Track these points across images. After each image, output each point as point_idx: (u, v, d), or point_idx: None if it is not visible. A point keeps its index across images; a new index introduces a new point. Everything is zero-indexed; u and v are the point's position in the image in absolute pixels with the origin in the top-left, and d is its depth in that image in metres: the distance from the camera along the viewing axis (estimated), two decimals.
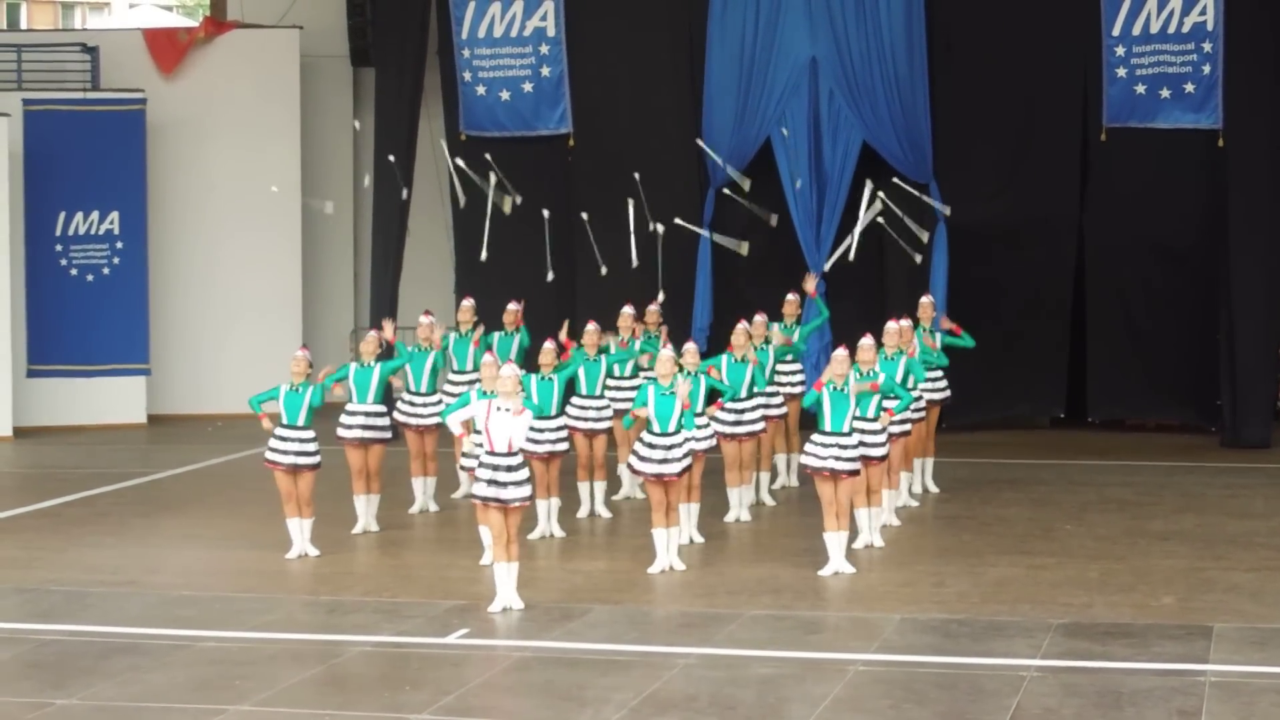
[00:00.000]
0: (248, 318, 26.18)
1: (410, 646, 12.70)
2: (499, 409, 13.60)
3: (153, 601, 14.24)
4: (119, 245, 25.36)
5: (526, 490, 13.66)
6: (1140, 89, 22.94)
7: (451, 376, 18.67)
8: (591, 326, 17.72)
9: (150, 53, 26.43)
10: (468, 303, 19.25)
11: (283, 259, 26.35)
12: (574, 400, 17.51)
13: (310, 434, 15.90)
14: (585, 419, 17.47)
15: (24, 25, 56.20)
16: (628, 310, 18.65)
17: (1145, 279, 23.17)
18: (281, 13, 26.90)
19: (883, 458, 15.83)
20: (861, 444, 15.23)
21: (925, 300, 19.00)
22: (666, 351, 15.34)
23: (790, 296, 19.30)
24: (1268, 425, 22.55)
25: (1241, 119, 22.42)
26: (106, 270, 25.37)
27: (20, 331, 24.90)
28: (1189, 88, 22.74)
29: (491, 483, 13.58)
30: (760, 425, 17.36)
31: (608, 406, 17.65)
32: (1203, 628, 12.92)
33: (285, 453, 15.81)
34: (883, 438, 15.80)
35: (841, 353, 15.11)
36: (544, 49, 24.31)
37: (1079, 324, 23.56)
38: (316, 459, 15.96)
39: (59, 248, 25.24)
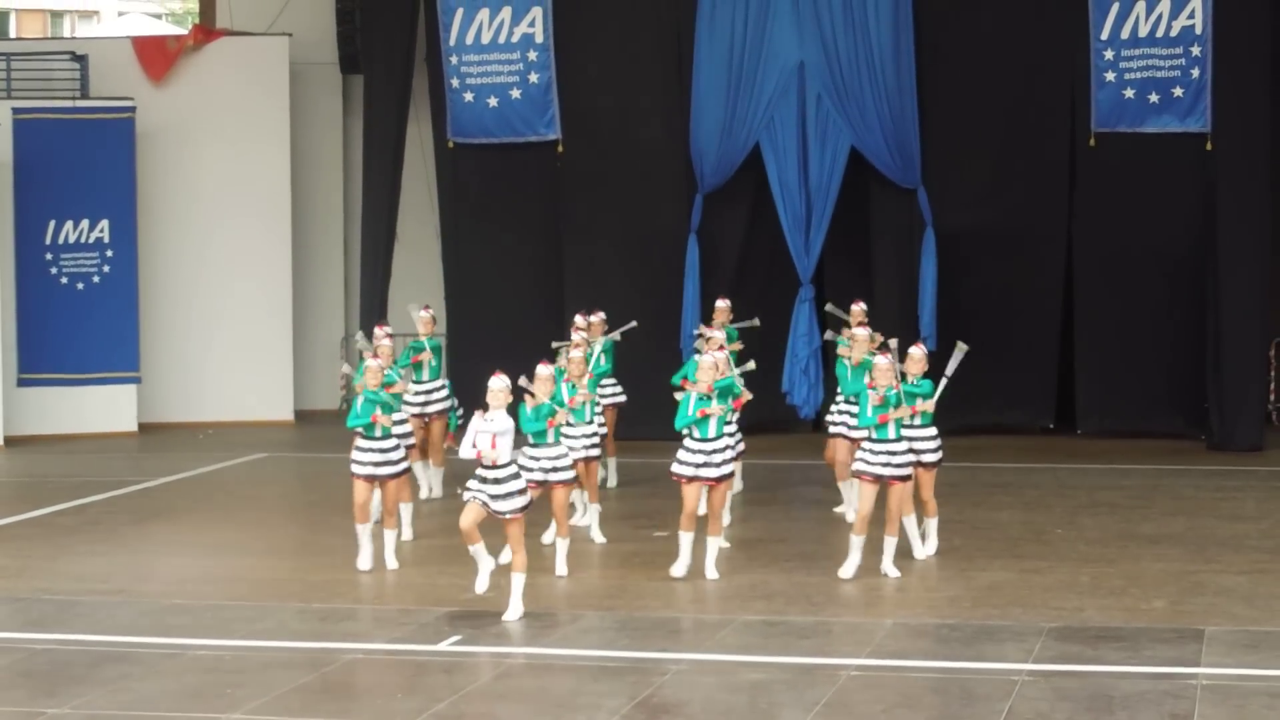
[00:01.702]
0: (238, 325, 26.17)
1: (402, 654, 12.70)
2: (487, 420, 13.58)
3: (144, 610, 14.23)
4: (109, 253, 25.34)
5: (522, 501, 13.63)
6: (1129, 93, 22.95)
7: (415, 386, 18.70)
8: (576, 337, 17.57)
9: (139, 61, 26.42)
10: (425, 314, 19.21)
11: (273, 266, 26.35)
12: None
13: (394, 441, 15.64)
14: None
15: (13, 34, 56.21)
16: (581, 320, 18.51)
17: (1134, 286, 23.11)
18: (270, 20, 26.90)
19: (936, 463, 15.56)
20: (911, 450, 15.16)
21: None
22: (707, 358, 15.21)
23: (720, 304, 19.05)
24: (1259, 428, 22.58)
25: (1230, 123, 22.42)
26: (96, 278, 25.34)
27: (10, 340, 24.90)
28: (1177, 92, 22.75)
29: (488, 498, 13.56)
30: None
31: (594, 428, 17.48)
32: (1194, 631, 12.94)
33: (365, 464, 15.43)
34: (935, 443, 15.51)
35: (884, 360, 14.98)
36: (532, 55, 24.29)
37: (1068, 332, 23.52)
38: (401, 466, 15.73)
39: (49, 256, 25.21)
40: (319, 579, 15.36)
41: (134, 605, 14.42)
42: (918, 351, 15.40)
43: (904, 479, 14.92)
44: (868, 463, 14.85)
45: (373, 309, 23.86)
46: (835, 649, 12.70)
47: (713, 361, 15.13)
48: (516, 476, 13.65)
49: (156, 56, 26.52)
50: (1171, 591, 14.35)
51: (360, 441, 15.51)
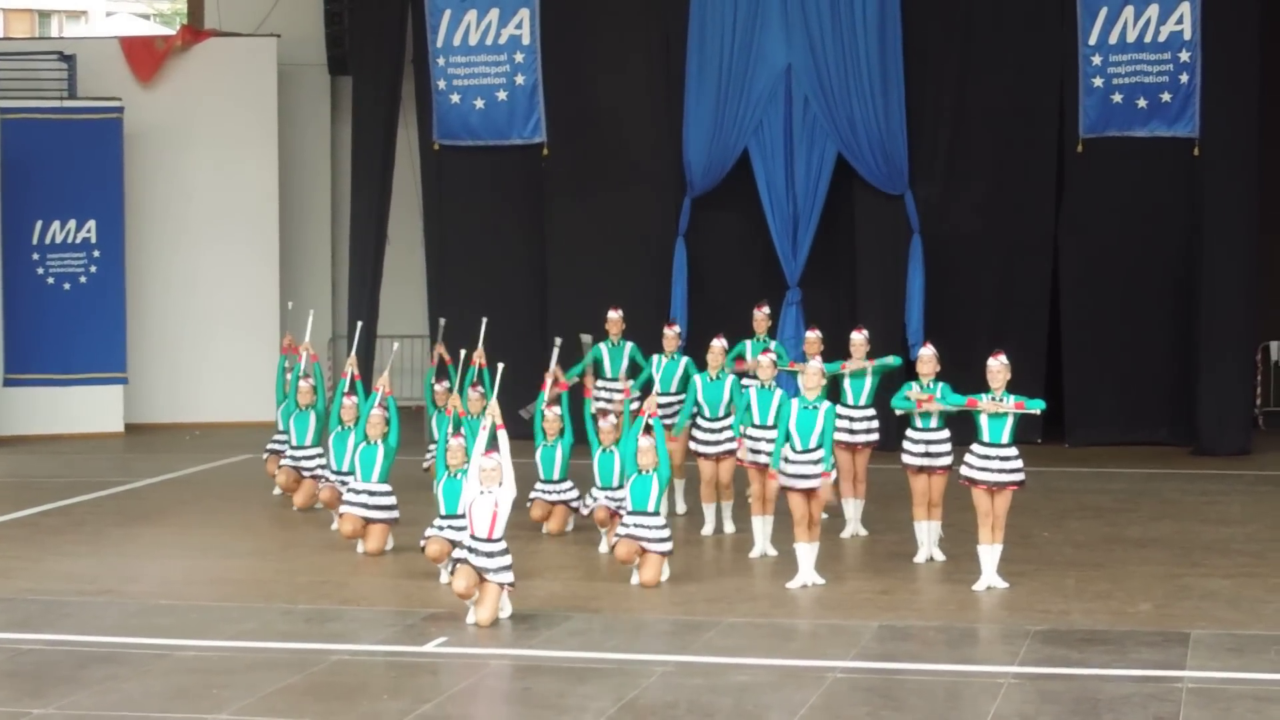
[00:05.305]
0: (225, 326, 26.16)
1: (389, 655, 12.70)
2: (482, 493, 13.47)
3: (130, 610, 14.22)
4: (96, 254, 25.32)
5: (508, 576, 13.46)
6: (1117, 98, 22.96)
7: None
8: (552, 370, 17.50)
9: (127, 61, 26.39)
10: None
11: (260, 267, 26.34)
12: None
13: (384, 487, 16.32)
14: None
15: (0, 34, 56.12)
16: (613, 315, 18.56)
17: (1121, 293, 23.07)
18: (259, 21, 26.90)
19: (949, 466, 15.55)
20: (927, 454, 15.33)
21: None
22: (815, 364, 15.05)
23: (759, 313, 18.40)
24: (1247, 432, 22.61)
25: (1218, 128, 22.45)
26: (84, 279, 25.33)
27: None
28: (1166, 97, 22.78)
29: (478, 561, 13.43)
30: (735, 445, 16.64)
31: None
32: (1180, 634, 12.96)
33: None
34: (948, 446, 15.55)
35: (995, 362, 14.92)
36: (519, 57, 24.28)
37: (1055, 340, 23.46)
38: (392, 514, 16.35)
39: (36, 256, 25.19)
40: (305, 580, 15.35)
41: (120, 606, 14.40)
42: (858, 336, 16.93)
43: (1018, 484, 14.81)
44: (977, 470, 14.78)
45: (361, 311, 23.83)
46: (821, 651, 12.71)
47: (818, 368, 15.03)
48: (506, 552, 13.44)
49: (144, 57, 26.50)
50: (1157, 595, 14.38)
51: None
